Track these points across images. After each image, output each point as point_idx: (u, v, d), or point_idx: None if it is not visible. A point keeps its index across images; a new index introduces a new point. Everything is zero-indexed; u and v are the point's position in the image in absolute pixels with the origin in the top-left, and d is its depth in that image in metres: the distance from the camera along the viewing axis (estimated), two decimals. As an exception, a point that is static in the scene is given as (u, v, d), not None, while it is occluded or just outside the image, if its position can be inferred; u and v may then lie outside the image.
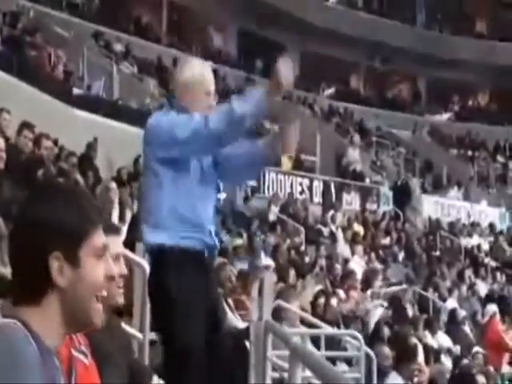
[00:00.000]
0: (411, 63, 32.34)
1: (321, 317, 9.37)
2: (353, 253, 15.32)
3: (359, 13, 32.15)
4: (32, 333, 1.78)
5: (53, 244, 1.83)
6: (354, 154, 22.25)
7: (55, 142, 10.26)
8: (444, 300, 15.36)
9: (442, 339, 12.69)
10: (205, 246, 4.09)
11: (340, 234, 16.17)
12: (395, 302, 12.43)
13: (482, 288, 17.52)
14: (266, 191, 17.64)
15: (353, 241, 16.02)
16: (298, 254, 13.55)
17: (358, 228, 17.45)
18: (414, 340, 9.10)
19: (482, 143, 31.86)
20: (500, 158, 30.88)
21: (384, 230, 18.64)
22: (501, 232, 23.26)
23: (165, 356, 4.07)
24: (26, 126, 8.96)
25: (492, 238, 22.36)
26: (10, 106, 9.70)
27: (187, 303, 3.94)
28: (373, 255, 15.83)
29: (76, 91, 15.61)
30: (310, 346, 7.43)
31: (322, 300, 10.01)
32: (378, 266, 15.14)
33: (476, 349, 12.20)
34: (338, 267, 13.08)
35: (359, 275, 13.07)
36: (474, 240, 21.74)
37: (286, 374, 4.24)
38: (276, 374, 5.24)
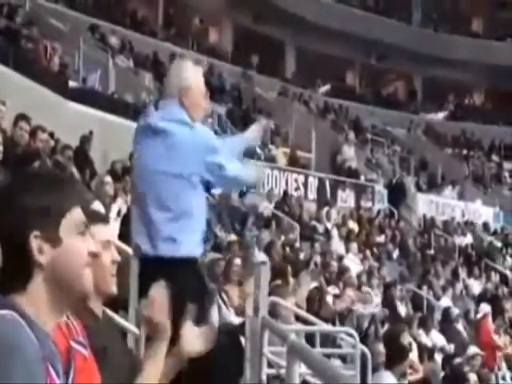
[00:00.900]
0: (407, 61, 32.34)
1: (316, 313, 9.35)
2: (347, 250, 15.30)
3: (356, 10, 32.12)
4: (26, 319, 1.78)
5: (31, 225, 1.85)
6: (349, 152, 22.22)
7: (51, 135, 10.22)
8: (438, 298, 15.36)
9: (435, 337, 12.69)
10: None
11: (335, 231, 16.15)
12: (387, 301, 12.44)
13: (476, 287, 17.55)
14: (261, 187, 17.58)
15: (347, 238, 16.01)
16: (292, 251, 13.51)
17: (353, 225, 17.43)
18: (408, 338, 9.08)
19: (477, 142, 31.90)
20: (495, 158, 30.94)
21: (378, 228, 18.63)
22: (495, 232, 23.29)
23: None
24: (22, 117, 8.92)
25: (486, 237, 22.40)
26: (6, 98, 9.67)
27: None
28: (367, 252, 15.81)
29: (72, 84, 15.56)
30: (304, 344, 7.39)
31: (317, 297, 9.99)
32: (374, 263, 15.15)
33: (474, 350, 12.13)
34: (334, 264, 13.04)
35: (354, 272, 13.06)
36: (468, 239, 21.78)
37: (282, 371, 4.21)
38: (271, 371, 5.21)
